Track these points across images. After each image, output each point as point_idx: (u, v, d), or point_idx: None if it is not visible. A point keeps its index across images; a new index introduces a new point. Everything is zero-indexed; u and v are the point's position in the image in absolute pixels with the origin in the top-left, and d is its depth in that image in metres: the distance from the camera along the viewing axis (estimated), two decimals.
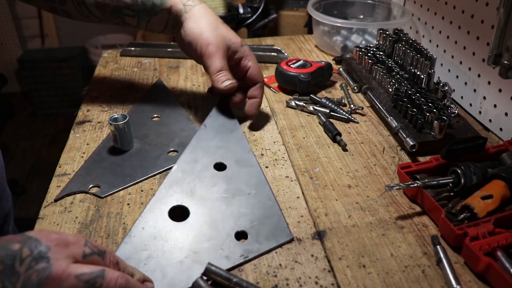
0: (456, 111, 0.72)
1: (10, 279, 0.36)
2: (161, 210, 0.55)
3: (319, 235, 0.55)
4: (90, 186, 0.62)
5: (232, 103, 0.74)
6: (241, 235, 0.53)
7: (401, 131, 0.68)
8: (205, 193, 0.58)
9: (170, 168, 0.65)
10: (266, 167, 0.66)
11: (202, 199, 0.57)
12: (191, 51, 0.69)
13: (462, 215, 0.54)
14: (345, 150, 0.71)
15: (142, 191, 0.62)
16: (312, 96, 0.83)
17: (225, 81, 0.66)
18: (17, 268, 0.37)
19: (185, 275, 0.47)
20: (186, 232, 0.52)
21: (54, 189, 0.62)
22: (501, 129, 0.75)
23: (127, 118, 0.67)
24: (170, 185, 0.59)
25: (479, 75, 0.80)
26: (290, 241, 0.53)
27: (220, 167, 0.63)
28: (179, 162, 0.63)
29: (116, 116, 0.67)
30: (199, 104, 0.84)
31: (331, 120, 0.77)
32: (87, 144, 0.72)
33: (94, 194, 0.61)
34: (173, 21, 0.66)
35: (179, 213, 0.55)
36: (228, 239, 0.52)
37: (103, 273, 0.39)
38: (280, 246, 0.52)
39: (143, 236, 0.52)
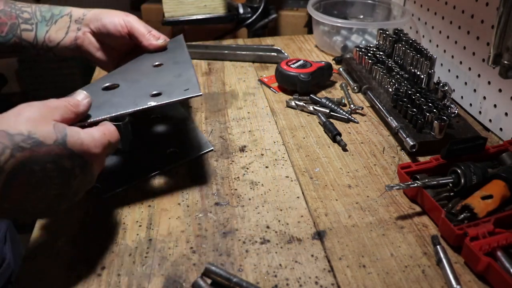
0: (456, 111, 0.72)
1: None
2: (96, 87, 0.60)
3: (319, 235, 0.55)
4: None
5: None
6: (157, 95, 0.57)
7: (401, 131, 0.68)
8: (137, 78, 0.62)
9: (170, 168, 0.65)
10: (266, 167, 0.66)
11: (133, 80, 0.61)
12: (113, 37, 0.69)
13: (462, 215, 0.54)
14: (345, 150, 0.71)
15: (142, 191, 0.62)
16: (312, 96, 0.84)
17: (159, 38, 0.69)
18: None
19: (96, 114, 0.52)
20: (112, 95, 0.58)
21: None
22: (501, 129, 0.75)
23: (127, 118, 0.67)
24: (109, 76, 0.63)
25: (479, 75, 0.80)
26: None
27: (156, 66, 0.66)
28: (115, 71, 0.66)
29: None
30: (199, 104, 0.84)
31: (331, 120, 0.77)
32: None
33: (94, 194, 0.61)
34: (76, 24, 0.69)
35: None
36: (144, 96, 0.57)
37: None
38: (187, 99, 0.57)
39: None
